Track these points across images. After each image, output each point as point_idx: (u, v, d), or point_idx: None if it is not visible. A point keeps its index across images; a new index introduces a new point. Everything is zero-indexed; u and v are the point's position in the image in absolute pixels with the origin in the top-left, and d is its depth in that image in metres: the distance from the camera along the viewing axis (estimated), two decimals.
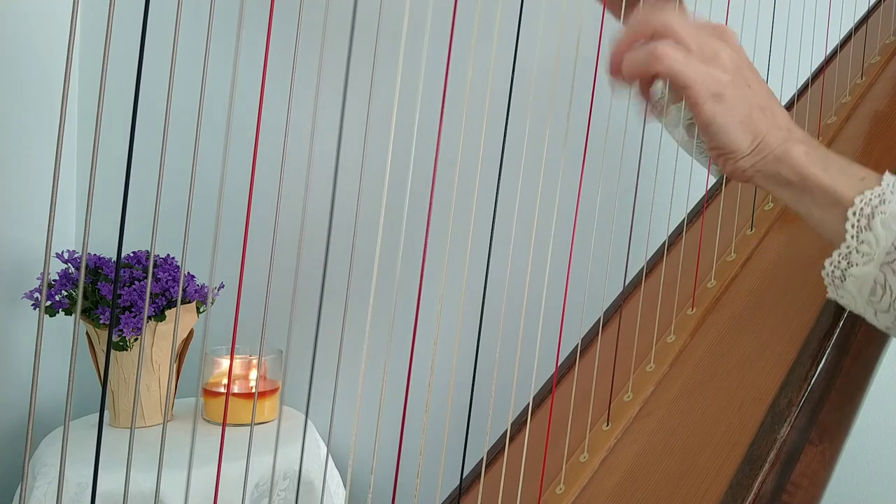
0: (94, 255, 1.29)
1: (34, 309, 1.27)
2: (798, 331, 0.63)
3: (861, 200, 0.49)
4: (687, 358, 0.72)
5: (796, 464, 0.58)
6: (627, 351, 0.75)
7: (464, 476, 0.70)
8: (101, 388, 1.33)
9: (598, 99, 0.75)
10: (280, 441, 1.24)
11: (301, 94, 0.54)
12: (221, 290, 1.34)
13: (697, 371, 0.70)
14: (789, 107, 0.90)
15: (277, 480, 1.20)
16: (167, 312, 1.25)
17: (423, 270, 0.60)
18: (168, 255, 1.33)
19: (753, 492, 0.56)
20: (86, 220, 0.39)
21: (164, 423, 0.47)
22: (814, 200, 0.51)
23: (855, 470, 1.33)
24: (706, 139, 0.53)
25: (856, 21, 0.94)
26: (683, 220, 0.84)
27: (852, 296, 0.50)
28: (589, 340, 0.79)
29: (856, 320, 0.58)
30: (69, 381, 0.41)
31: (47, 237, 0.39)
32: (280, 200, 0.53)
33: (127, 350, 1.25)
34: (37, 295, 1.24)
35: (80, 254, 1.30)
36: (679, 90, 0.51)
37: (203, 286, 1.32)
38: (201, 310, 1.33)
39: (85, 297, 1.23)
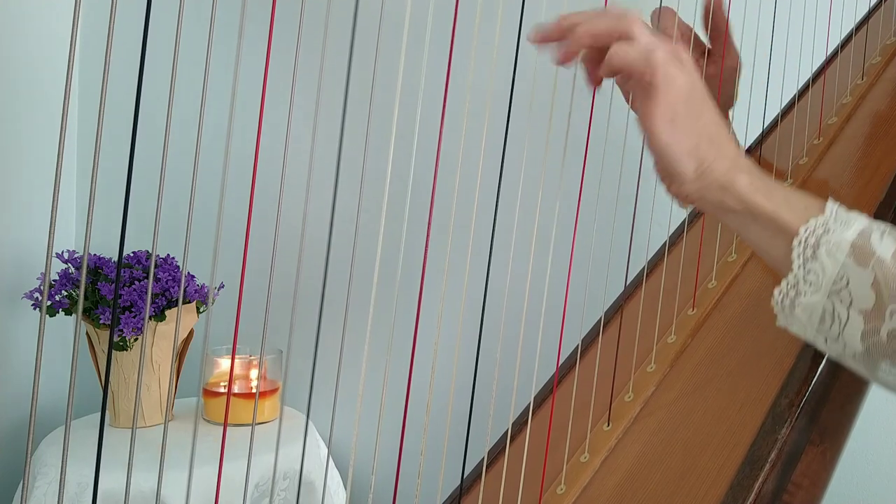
0: (94, 255, 1.29)
1: (34, 309, 1.27)
2: None
3: (805, 230, 0.49)
4: (688, 358, 0.72)
5: (797, 464, 0.58)
6: (628, 351, 0.75)
7: (465, 476, 0.70)
8: (100, 388, 1.34)
9: (598, 102, 0.75)
10: (280, 441, 1.24)
11: (302, 96, 0.54)
12: (221, 290, 1.34)
13: (698, 372, 0.70)
14: (790, 107, 0.90)
15: (277, 480, 1.20)
16: (167, 312, 1.25)
17: (424, 269, 0.60)
18: (168, 255, 1.33)
19: (754, 492, 0.56)
20: (87, 221, 0.39)
21: (164, 423, 0.47)
22: (759, 229, 0.52)
23: (855, 470, 1.33)
24: (654, 159, 0.54)
25: (856, 22, 0.94)
26: (684, 220, 0.84)
27: (802, 324, 0.51)
28: (590, 341, 0.79)
29: None
30: (70, 381, 0.41)
31: (49, 237, 0.39)
32: (281, 201, 0.53)
33: (127, 350, 1.25)
34: (37, 295, 1.24)
35: (80, 254, 1.30)
36: (643, 101, 0.51)
37: (203, 286, 1.32)
38: (201, 310, 1.33)
39: (85, 297, 1.23)
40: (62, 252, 1.28)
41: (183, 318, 1.30)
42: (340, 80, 0.55)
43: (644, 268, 0.83)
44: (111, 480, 1.05)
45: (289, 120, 0.53)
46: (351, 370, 0.63)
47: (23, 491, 0.42)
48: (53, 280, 1.26)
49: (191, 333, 1.36)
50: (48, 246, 0.39)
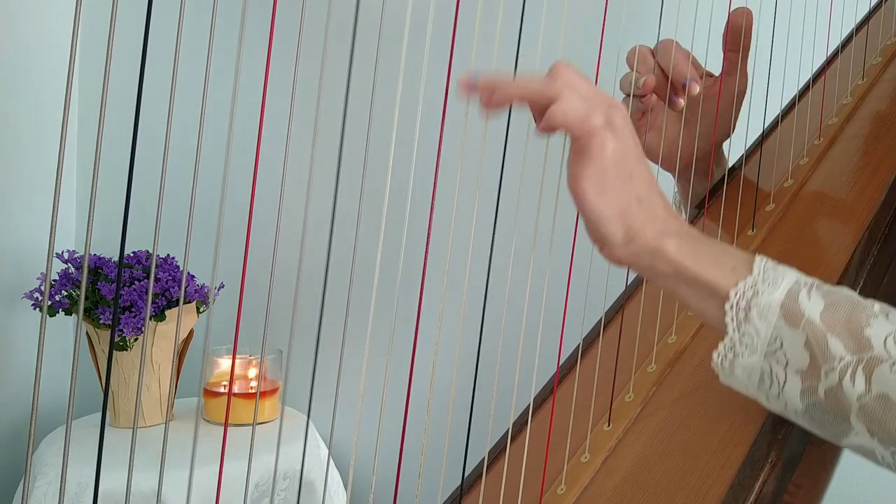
0: (94, 255, 1.29)
1: (34, 309, 1.27)
2: None
3: (735, 294, 0.49)
4: (688, 359, 0.72)
5: (797, 464, 0.58)
6: (629, 352, 0.75)
7: (465, 476, 0.70)
8: (100, 388, 1.34)
9: None
10: (280, 441, 1.24)
11: (303, 97, 0.54)
12: (221, 290, 1.34)
13: (699, 371, 0.70)
14: (790, 107, 0.90)
15: (277, 480, 1.20)
16: (167, 312, 1.25)
17: (424, 269, 0.60)
18: (168, 255, 1.33)
19: (755, 492, 0.56)
20: (88, 221, 0.39)
21: (165, 423, 0.47)
22: (690, 292, 0.52)
23: (856, 471, 1.33)
24: (584, 221, 0.53)
25: (857, 22, 0.94)
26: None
27: (744, 384, 0.51)
28: (590, 341, 0.79)
29: None
30: (71, 381, 0.41)
31: (50, 237, 0.39)
32: (282, 200, 0.53)
33: (127, 350, 1.25)
34: (37, 295, 1.24)
35: (80, 254, 1.30)
36: (574, 163, 0.51)
37: (203, 286, 1.32)
38: (201, 310, 1.33)
39: (85, 297, 1.23)
40: (62, 252, 1.28)
41: (183, 318, 1.30)
42: (341, 80, 0.55)
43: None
44: (111, 480, 1.05)
45: (290, 120, 0.53)
46: (351, 370, 0.63)
47: (24, 491, 0.42)
48: (53, 280, 1.26)
49: (191, 333, 1.36)
50: (49, 246, 0.39)
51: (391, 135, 0.57)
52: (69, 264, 1.28)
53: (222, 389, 1.32)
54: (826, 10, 0.92)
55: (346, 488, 1.32)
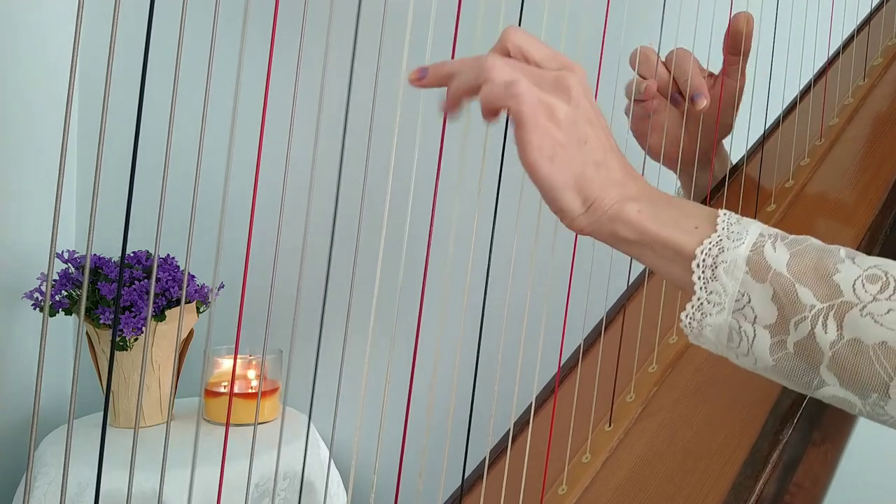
0: (95, 255, 1.29)
1: (34, 309, 1.27)
2: None
3: (701, 252, 0.49)
4: (690, 359, 0.72)
5: (798, 465, 0.58)
6: (630, 352, 0.75)
7: (466, 476, 0.70)
8: (100, 388, 1.34)
9: (600, 102, 0.75)
10: (281, 441, 1.24)
11: (305, 97, 0.54)
12: (221, 290, 1.34)
13: (700, 372, 0.70)
14: (791, 108, 0.90)
15: (278, 481, 1.20)
16: (167, 312, 1.25)
17: (426, 269, 0.60)
18: (168, 255, 1.33)
19: (756, 493, 0.56)
20: (90, 222, 0.39)
21: (167, 423, 0.47)
22: (655, 255, 0.51)
23: (857, 471, 1.33)
24: (540, 192, 0.52)
25: (858, 22, 0.94)
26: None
27: (712, 343, 0.50)
28: (591, 341, 0.79)
29: None
30: (73, 381, 0.41)
31: (52, 237, 0.39)
32: (284, 200, 0.53)
33: (127, 350, 1.25)
34: (37, 295, 1.24)
35: (80, 254, 1.30)
36: (516, 133, 0.50)
37: (203, 286, 1.32)
38: (201, 310, 1.33)
39: (85, 297, 1.23)
40: (62, 252, 1.28)
41: (183, 318, 1.30)
42: (343, 82, 0.55)
43: (646, 268, 0.83)
44: (111, 480, 1.05)
45: (291, 120, 0.53)
46: (352, 370, 0.63)
47: (27, 489, 0.42)
48: (53, 280, 1.26)
49: (191, 333, 1.36)
50: (51, 246, 0.39)
51: (393, 135, 0.57)
52: (69, 264, 1.28)
53: (222, 389, 1.32)
54: (827, 10, 0.92)
55: (346, 488, 1.32)
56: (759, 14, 0.84)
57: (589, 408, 0.71)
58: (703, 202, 0.85)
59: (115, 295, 1.20)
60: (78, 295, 1.25)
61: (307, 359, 0.56)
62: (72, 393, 0.41)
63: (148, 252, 1.32)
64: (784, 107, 0.91)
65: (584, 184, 0.50)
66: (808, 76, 0.91)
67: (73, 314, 1.29)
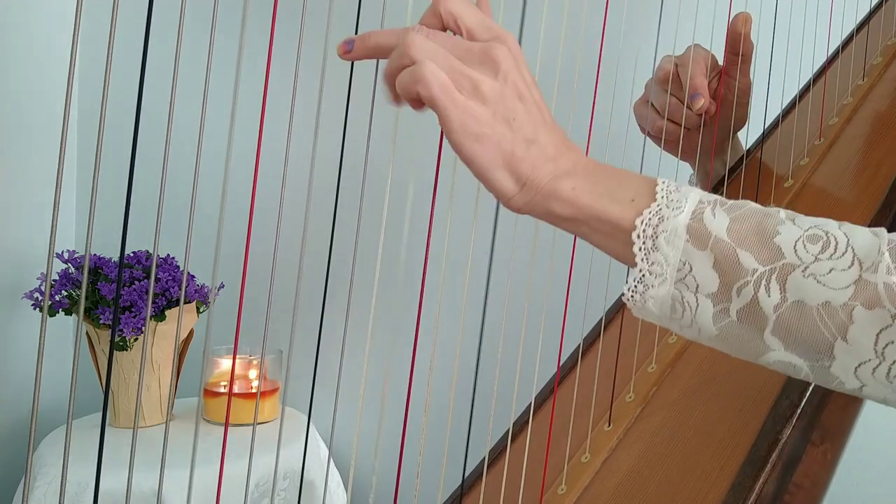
0: (94, 255, 1.29)
1: (34, 309, 1.27)
2: None
3: (641, 222, 0.47)
4: (689, 359, 0.72)
5: (798, 465, 0.58)
6: (629, 351, 0.75)
7: (465, 476, 0.69)
8: (100, 388, 1.34)
9: (600, 101, 0.75)
10: (281, 441, 1.24)
11: (303, 95, 0.54)
12: (221, 290, 1.34)
13: (699, 372, 0.70)
14: (791, 108, 0.90)
15: (278, 480, 1.20)
16: (167, 312, 1.25)
17: (425, 269, 0.60)
18: (168, 255, 1.33)
19: (755, 493, 0.56)
20: (88, 221, 0.39)
21: (166, 423, 0.47)
22: (594, 231, 0.49)
23: (857, 471, 1.33)
24: (474, 174, 0.50)
25: (858, 22, 0.94)
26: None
27: (656, 316, 0.49)
28: (591, 341, 0.79)
29: None
30: (72, 381, 0.41)
31: (50, 237, 0.39)
32: (283, 199, 0.53)
33: (127, 350, 1.25)
34: (37, 295, 1.24)
35: (80, 254, 1.30)
36: (439, 117, 0.48)
37: (203, 286, 1.32)
38: (201, 310, 1.33)
39: (85, 296, 1.23)
40: (62, 252, 1.28)
41: (183, 318, 1.30)
42: (343, 81, 0.55)
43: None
44: (111, 480, 1.05)
45: (290, 120, 0.53)
46: (351, 370, 0.63)
47: (25, 490, 0.42)
48: (53, 280, 1.26)
49: (191, 333, 1.36)
50: (49, 246, 0.39)
51: (392, 134, 0.57)
52: (69, 264, 1.28)
53: (222, 389, 1.32)
54: (826, 10, 0.92)
55: (346, 488, 1.32)
56: (759, 13, 0.84)
57: (588, 407, 0.71)
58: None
59: (115, 295, 1.20)
60: (78, 295, 1.25)
61: (307, 359, 0.56)
62: (71, 393, 0.41)
63: (148, 252, 1.32)
64: (783, 106, 0.92)
65: (514, 162, 0.48)
66: (807, 75, 0.91)
67: (73, 314, 1.29)
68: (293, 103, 0.52)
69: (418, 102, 0.49)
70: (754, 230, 0.46)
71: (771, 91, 0.86)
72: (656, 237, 0.47)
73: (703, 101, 0.79)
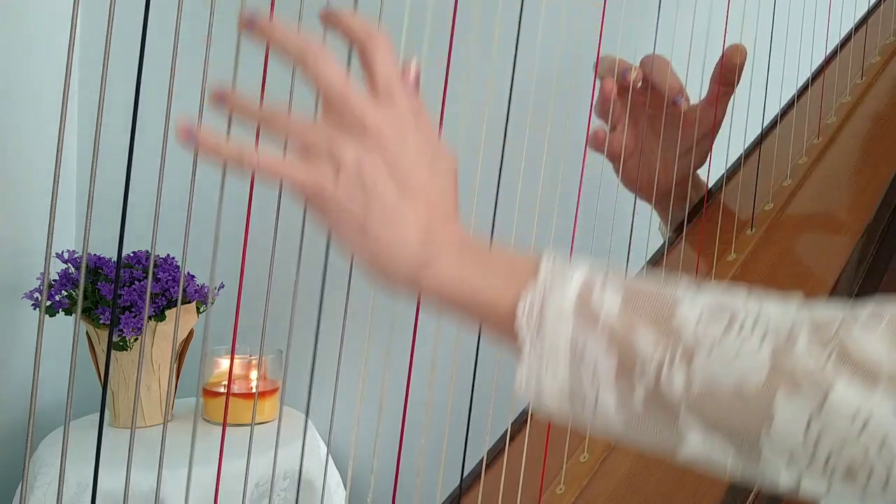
0: (95, 255, 1.29)
1: (34, 309, 1.27)
2: None
3: (523, 306, 0.41)
4: None
5: None
6: None
7: (464, 476, 0.70)
8: (100, 388, 1.34)
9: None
10: (280, 441, 1.24)
11: (301, 92, 0.54)
12: (221, 290, 1.34)
13: None
14: (789, 106, 0.90)
15: (277, 480, 1.20)
16: (167, 312, 1.25)
17: None
18: (168, 255, 1.33)
19: (753, 492, 0.56)
20: (86, 221, 0.39)
21: (164, 423, 0.48)
22: (471, 319, 0.44)
23: None
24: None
25: (856, 21, 0.94)
26: (683, 220, 0.84)
27: (556, 410, 0.42)
28: None
29: None
30: (69, 381, 0.41)
31: (48, 237, 0.39)
32: (280, 199, 0.53)
33: (127, 350, 1.25)
34: (37, 295, 1.24)
35: (80, 254, 1.30)
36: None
37: (203, 286, 1.32)
38: (201, 310, 1.33)
39: (85, 297, 1.23)
40: (62, 252, 1.28)
41: (183, 318, 1.31)
42: None
43: (644, 268, 0.83)
44: (111, 481, 1.05)
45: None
46: (350, 369, 0.63)
47: (22, 491, 0.42)
48: (53, 280, 1.26)
49: (191, 333, 1.36)
50: (47, 246, 0.39)
51: None
52: (69, 264, 1.28)
53: (222, 389, 1.32)
54: (825, 9, 0.92)
55: (345, 487, 1.32)
56: (757, 11, 0.84)
57: None
58: (700, 203, 0.85)
59: (113, 295, 1.20)
60: (78, 295, 1.25)
61: (306, 358, 0.56)
62: (68, 393, 0.41)
63: (148, 252, 1.32)
64: (781, 105, 0.92)
65: (364, 250, 0.44)
66: (805, 74, 0.91)
67: (74, 314, 1.30)
68: (291, 101, 0.52)
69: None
70: (649, 310, 0.40)
71: (769, 90, 0.86)
72: (542, 320, 0.41)
73: (686, 102, 0.76)
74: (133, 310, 1.21)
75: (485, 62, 0.67)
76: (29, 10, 1.42)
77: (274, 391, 1.35)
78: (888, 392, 0.36)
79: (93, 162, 0.40)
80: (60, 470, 0.38)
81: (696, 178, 0.85)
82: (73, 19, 0.39)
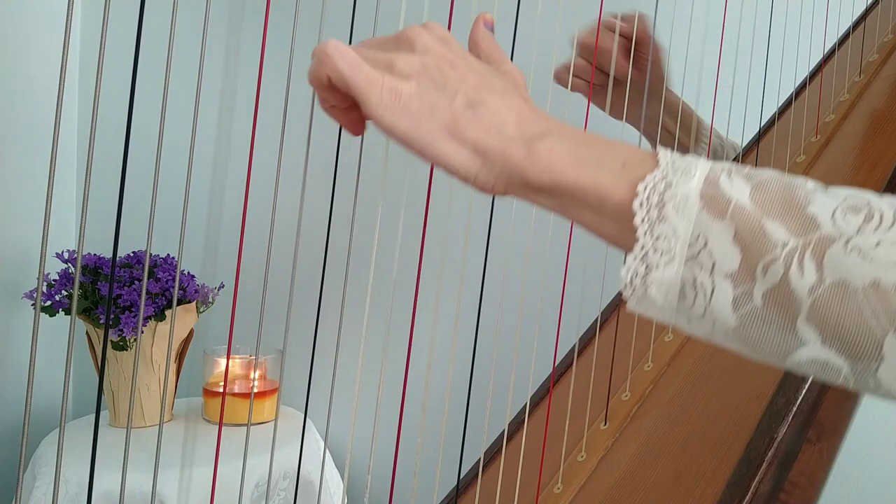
0: (95, 255, 1.29)
1: (34, 309, 1.28)
2: None
3: (645, 188, 0.39)
4: (684, 357, 0.72)
5: (794, 463, 0.58)
6: (625, 350, 0.75)
7: (461, 476, 0.70)
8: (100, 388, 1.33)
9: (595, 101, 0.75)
10: (279, 441, 1.24)
11: (297, 94, 0.54)
12: (221, 290, 1.35)
13: (695, 370, 0.70)
14: (787, 105, 0.90)
15: (277, 480, 1.20)
16: (167, 312, 1.25)
17: (420, 269, 0.60)
18: (168, 255, 1.33)
19: (751, 491, 0.56)
20: (82, 220, 0.39)
21: (160, 423, 0.47)
22: (579, 204, 0.41)
23: (853, 469, 1.33)
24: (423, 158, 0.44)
25: (854, 19, 0.94)
26: None
27: (659, 306, 0.40)
28: (587, 340, 0.79)
29: None
30: (65, 381, 0.41)
31: (42, 237, 0.39)
32: (277, 200, 0.53)
33: (127, 350, 1.26)
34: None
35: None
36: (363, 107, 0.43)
37: (203, 286, 1.32)
38: (201, 310, 1.33)
39: (85, 297, 1.24)
40: (62, 252, 1.28)
41: (183, 318, 1.31)
42: None
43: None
44: (112, 481, 1.06)
45: (284, 120, 0.53)
46: (348, 369, 0.63)
47: (18, 490, 0.42)
48: (53, 280, 1.26)
49: (191, 333, 1.36)
50: (42, 246, 0.40)
51: (387, 135, 0.56)
52: (69, 264, 1.28)
53: (222, 389, 1.32)
54: (823, 7, 0.92)
55: (343, 487, 1.32)
56: (755, 10, 0.84)
57: (584, 406, 0.71)
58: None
59: (113, 295, 1.20)
60: (74, 294, 1.25)
61: (305, 359, 0.56)
62: (64, 393, 0.41)
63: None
64: (780, 104, 0.91)
65: (461, 130, 0.42)
66: (803, 73, 0.91)
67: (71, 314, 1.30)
68: (286, 103, 0.52)
69: (350, 115, 0.44)
70: (781, 198, 0.38)
71: (767, 88, 0.86)
72: (663, 206, 0.39)
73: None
74: (133, 310, 1.21)
75: None
76: (26, 11, 1.42)
77: (273, 391, 1.35)
78: None
79: (88, 162, 0.40)
80: (56, 470, 0.38)
81: (669, 92, 0.90)
82: (68, 21, 0.39)
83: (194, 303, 1.31)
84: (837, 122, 0.85)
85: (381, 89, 0.42)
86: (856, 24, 0.93)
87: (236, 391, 1.34)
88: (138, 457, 1.05)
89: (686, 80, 0.80)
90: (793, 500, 0.57)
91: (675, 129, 0.89)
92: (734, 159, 0.88)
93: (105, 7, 0.41)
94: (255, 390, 1.33)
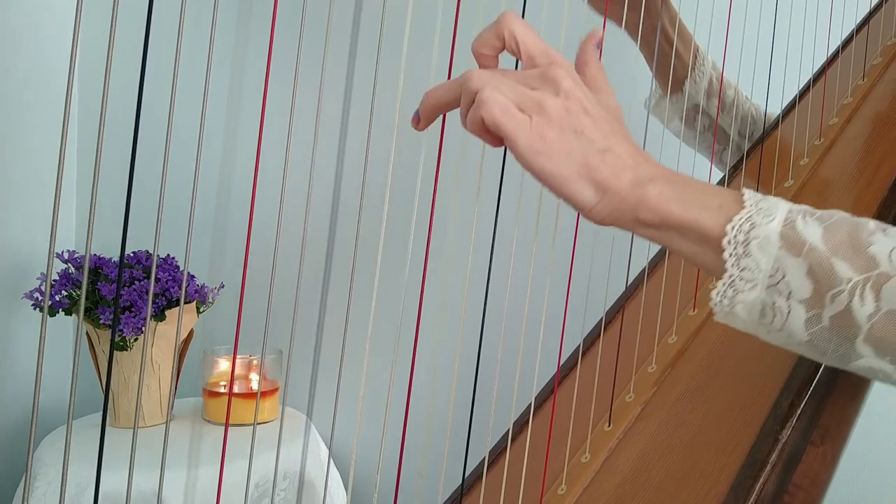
0: (94, 255, 1.29)
1: (34, 309, 1.27)
2: None
3: (732, 229, 0.48)
4: (689, 359, 0.72)
5: (798, 465, 0.58)
6: (629, 351, 0.75)
7: (466, 476, 0.70)
8: (100, 389, 1.33)
9: None
10: (280, 441, 1.24)
11: (304, 95, 0.54)
12: (221, 290, 1.34)
13: (699, 372, 0.70)
14: (791, 108, 0.90)
15: (278, 480, 1.20)
16: (167, 312, 1.25)
17: (425, 269, 0.60)
18: (168, 255, 1.33)
19: (755, 493, 0.56)
20: (89, 221, 0.39)
21: (166, 423, 0.47)
22: (682, 238, 0.50)
23: (857, 471, 1.33)
24: (553, 192, 0.51)
25: (858, 22, 0.94)
26: None
27: (743, 321, 0.50)
28: (591, 341, 0.79)
29: None
30: (72, 382, 0.41)
31: (50, 237, 0.39)
32: (283, 200, 0.53)
33: (127, 350, 1.25)
34: (37, 295, 1.24)
35: (80, 254, 1.30)
36: (508, 144, 0.49)
37: (203, 286, 1.32)
38: (201, 310, 1.33)
39: (85, 297, 1.23)
40: (62, 252, 1.28)
41: (183, 318, 1.30)
42: (342, 83, 0.55)
43: (645, 268, 0.83)
44: (112, 481, 1.05)
45: (290, 121, 0.53)
46: (351, 370, 0.63)
47: (24, 490, 0.42)
48: (53, 280, 1.26)
49: (191, 333, 1.36)
50: (49, 246, 0.39)
51: (392, 134, 0.57)
52: (69, 264, 1.28)
53: (222, 389, 1.32)
54: (826, 10, 0.92)
55: (346, 488, 1.32)
56: (759, 13, 0.84)
57: (588, 408, 0.71)
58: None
59: (115, 296, 1.20)
60: (78, 295, 1.25)
61: (307, 359, 0.56)
62: (71, 394, 0.41)
63: (147, 252, 1.32)
64: (783, 106, 0.92)
65: (590, 173, 0.49)
66: (807, 75, 0.91)
67: (74, 314, 1.29)
68: (293, 104, 0.52)
69: (495, 138, 0.50)
70: (848, 240, 0.47)
71: (771, 91, 0.86)
72: (748, 243, 0.48)
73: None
74: (133, 310, 1.21)
75: None
76: (31, 10, 1.42)
77: (274, 391, 1.35)
78: None
79: (95, 162, 0.40)
80: (63, 470, 0.38)
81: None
82: (75, 20, 0.39)
83: (194, 303, 1.31)
84: (841, 125, 0.85)
85: (528, 135, 0.48)
86: (859, 28, 0.93)
87: (237, 391, 1.33)
88: (137, 457, 1.04)
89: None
90: (796, 502, 0.57)
91: (674, 36, 0.89)
92: (739, 160, 0.88)
93: (113, 7, 0.41)
94: (258, 390, 1.33)
